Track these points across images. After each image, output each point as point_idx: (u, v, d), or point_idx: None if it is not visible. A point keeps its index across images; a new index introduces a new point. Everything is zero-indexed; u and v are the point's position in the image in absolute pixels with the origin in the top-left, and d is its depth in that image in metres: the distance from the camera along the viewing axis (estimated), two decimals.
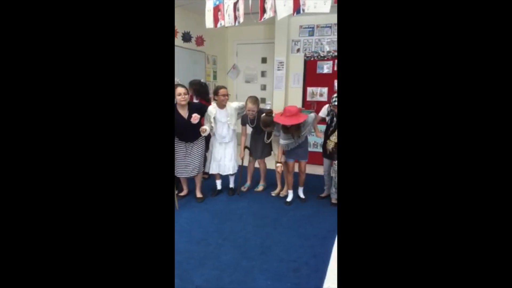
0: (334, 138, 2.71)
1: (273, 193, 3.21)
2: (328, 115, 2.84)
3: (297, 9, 1.82)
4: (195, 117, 2.62)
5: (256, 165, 3.30)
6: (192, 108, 2.71)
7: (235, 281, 1.81)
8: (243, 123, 3.04)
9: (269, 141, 3.07)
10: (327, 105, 2.90)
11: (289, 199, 2.99)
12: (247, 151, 3.19)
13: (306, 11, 1.80)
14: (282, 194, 3.13)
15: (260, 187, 3.31)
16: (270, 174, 3.37)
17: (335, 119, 2.78)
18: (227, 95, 2.88)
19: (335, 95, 2.74)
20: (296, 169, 3.02)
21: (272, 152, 3.17)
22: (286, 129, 2.69)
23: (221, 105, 2.89)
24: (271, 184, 3.35)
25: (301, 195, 3.07)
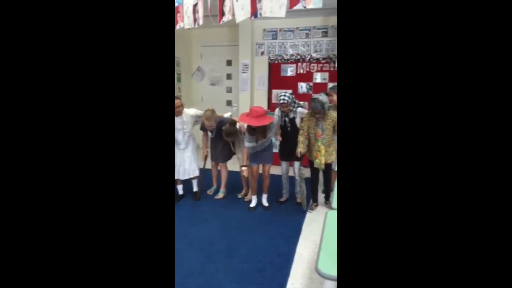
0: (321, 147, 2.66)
1: (240, 195, 3.19)
2: (281, 116, 2.78)
3: (254, 13, 1.85)
4: None
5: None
6: None
7: (199, 285, 1.79)
8: (202, 128, 3.03)
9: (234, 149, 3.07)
10: (277, 109, 2.83)
11: (252, 204, 2.91)
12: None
13: (263, 15, 1.84)
14: (247, 198, 3.08)
15: (220, 194, 3.18)
16: (235, 177, 3.33)
17: (286, 119, 2.76)
18: (180, 106, 2.82)
19: (283, 93, 2.71)
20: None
21: (235, 156, 3.13)
22: (252, 131, 2.63)
23: (176, 113, 2.83)
24: (233, 189, 3.27)
25: (265, 203, 2.93)
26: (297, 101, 2.81)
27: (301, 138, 2.67)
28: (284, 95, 2.66)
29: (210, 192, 3.25)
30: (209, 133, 3.06)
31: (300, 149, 2.65)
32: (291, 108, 2.71)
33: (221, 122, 2.91)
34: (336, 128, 2.67)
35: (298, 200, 2.98)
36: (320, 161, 2.67)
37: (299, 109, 2.77)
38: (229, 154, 3.13)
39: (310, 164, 2.83)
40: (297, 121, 2.78)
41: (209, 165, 3.24)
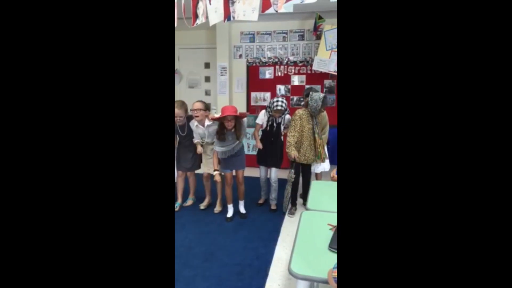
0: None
1: (202, 206, 2.93)
2: (268, 121, 2.76)
3: (227, 16, 1.85)
4: None
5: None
6: None
7: None
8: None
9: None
10: (263, 111, 2.81)
11: (229, 214, 2.74)
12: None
13: (236, 18, 1.84)
14: (217, 210, 2.87)
15: (189, 201, 3.03)
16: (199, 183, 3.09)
17: (275, 124, 2.74)
18: None
19: (275, 99, 2.67)
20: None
21: (202, 164, 2.95)
22: (222, 129, 2.48)
23: None
24: (201, 197, 3.05)
25: (242, 210, 2.81)
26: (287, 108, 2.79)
27: (292, 141, 2.63)
28: (282, 102, 2.63)
29: (176, 208, 2.92)
30: (178, 135, 2.82)
31: (294, 152, 2.60)
32: (282, 114, 2.72)
33: (190, 117, 2.75)
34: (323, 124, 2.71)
35: (273, 207, 2.93)
36: (320, 152, 2.67)
37: (287, 116, 2.78)
38: (199, 162, 2.93)
39: (295, 167, 2.74)
40: (282, 127, 2.79)
41: None
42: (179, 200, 2.99)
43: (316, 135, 2.64)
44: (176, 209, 2.93)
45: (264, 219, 2.76)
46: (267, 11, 1.60)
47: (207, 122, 2.65)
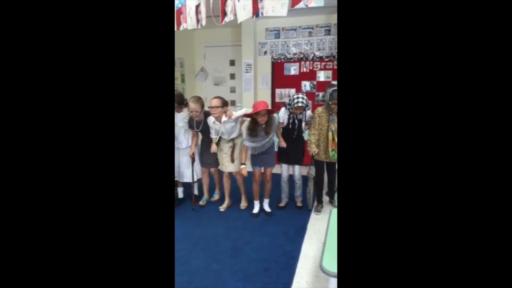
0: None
1: (222, 208, 2.87)
2: (289, 118, 2.69)
3: (256, 12, 1.85)
4: None
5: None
6: None
7: (206, 285, 1.80)
8: (190, 126, 2.81)
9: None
10: (283, 108, 2.73)
11: (255, 210, 2.76)
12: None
13: (264, 14, 1.84)
14: (243, 206, 2.87)
15: (216, 196, 3.05)
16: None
17: (296, 121, 2.66)
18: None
19: (295, 95, 2.59)
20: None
21: (220, 164, 2.87)
22: (254, 125, 2.48)
23: (177, 109, 2.75)
24: (223, 196, 3.02)
25: (267, 208, 2.81)
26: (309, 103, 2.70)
27: (312, 138, 2.61)
28: (302, 98, 2.55)
29: (202, 203, 2.98)
30: (200, 132, 2.81)
31: (314, 149, 2.58)
32: (303, 111, 2.64)
33: (207, 113, 2.72)
34: None
35: (299, 204, 2.89)
36: (335, 152, 2.59)
37: (309, 112, 2.70)
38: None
39: (316, 164, 2.73)
40: (303, 124, 2.71)
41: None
42: (206, 195, 3.03)
43: (330, 133, 2.57)
44: (203, 203, 2.97)
45: (290, 216, 2.75)
46: (297, 6, 1.59)
47: (223, 118, 2.62)
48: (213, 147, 2.75)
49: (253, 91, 4.45)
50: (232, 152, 2.77)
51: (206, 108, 2.82)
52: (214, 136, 2.74)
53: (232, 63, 4.94)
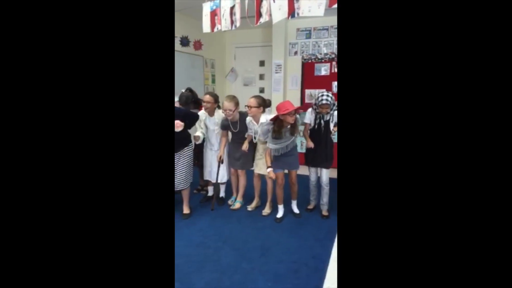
0: None
1: (250, 208, 2.85)
2: (316, 119, 2.60)
3: (291, 13, 1.84)
4: (178, 125, 2.38)
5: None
6: (175, 114, 2.42)
7: (236, 283, 1.82)
8: (223, 128, 2.76)
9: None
10: (310, 109, 2.66)
11: (279, 215, 2.67)
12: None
13: (300, 15, 1.83)
14: (265, 212, 2.76)
15: (236, 205, 2.91)
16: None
17: (323, 122, 2.57)
18: (210, 102, 2.69)
19: (320, 93, 2.51)
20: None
21: (254, 164, 2.84)
22: (280, 128, 2.39)
23: (209, 112, 2.74)
24: (249, 201, 2.96)
25: (295, 209, 2.74)
26: (335, 102, 2.56)
27: None
28: (327, 96, 2.46)
29: (231, 202, 2.99)
30: (230, 131, 2.78)
31: None
32: (329, 110, 2.53)
33: (242, 113, 2.68)
34: None
35: (324, 213, 2.73)
36: None
37: (336, 113, 2.58)
38: (251, 162, 2.84)
39: None
40: (331, 125, 2.60)
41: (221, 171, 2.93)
42: (234, 195, 3.03)
43: None
44: (231, 203, 2.97)
45: (319, 218, 2.71)
46: (335, 6, 1.56)
47: (261, 120, 2.58)
48: (245, 145, 2.71)
49: (282, 92, 4.44)
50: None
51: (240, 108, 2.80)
52: (249, 134, 2.70)
53: (262, 63, 4.97)
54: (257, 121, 2.61)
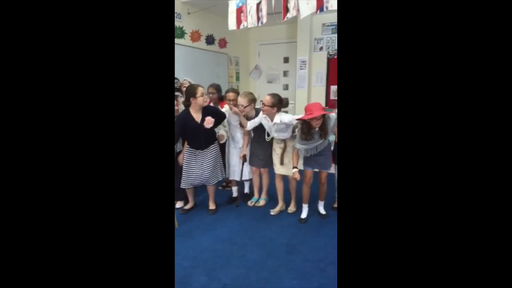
0: None
1: (273, 212, 2.72)
2: None
3: (320, 7, 1.80)
4: (208, 121, 2.42)
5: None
6: (206, 111, 2.46)
7: (262, 280, 1.82)
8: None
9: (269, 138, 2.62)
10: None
11: (303, 215, 2.59)
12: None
13: (330, 8, 1.78)
14: (291, 210, 2.73)
15: (261, 201, 2.90)
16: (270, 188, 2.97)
17: None
18: (235, 99, 2.66)
19: None
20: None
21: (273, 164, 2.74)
22: (309, 129, 2.29)
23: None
24: (273, 198, 2.94)
25: (322, 210, 2.67)
26: None
27: None
28: None
29: (251, 203, 2.92)
30: (251, 131, 2.73)
31: None
32: None
33: (258, 110, 2.63)
34: None
35: None
36: None
37: None
38: (271, 158, 2.76)
39: None
40: None
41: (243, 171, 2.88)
42: (256, 195, 2.98)
43: None
44: (252, 204, 2.92)
45: None
46: None
47: (275, 119, 2.47)
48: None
49: (307, 88, 4.37)
50: (283, 153, 2.63)
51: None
52: (249, 125, 2.64)
53: (286, 60, 4.92)
54: (272, 120, 2.52)
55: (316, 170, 2.55)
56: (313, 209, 2.73)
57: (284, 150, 2.62)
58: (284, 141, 2.61)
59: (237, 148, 2.86)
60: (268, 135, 2.62)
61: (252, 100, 2.63)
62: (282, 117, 2.47)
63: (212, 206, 2.77)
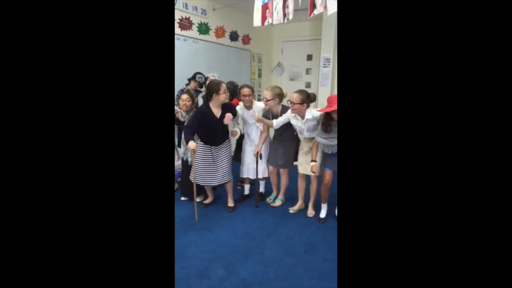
0: None
1: (292, 210, 2.72)
2: None
3: None
4: (228, 117, 2.42)
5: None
6: (226, 108, 2.48)
7: (280, 277, 1.82)
8: (265, 115, 2.67)
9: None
10: None
11: (322, 215, 2.57)
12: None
13: None
14: (310, 214, 2.65)
15: (277, 202, 2.85)
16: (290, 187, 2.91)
17: None
18: (250, 95, 2.62)
19: None
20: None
21: (298, 162, 2.68)
22: (328, 120, 2.21)
23: (247, 106, 2.68)
24: (289, 199, 2.91)
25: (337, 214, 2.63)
26: None
27: None
28: None
29: (269, 200, 2.91)
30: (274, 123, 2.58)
31: None
32: None
33: (284, 107, 2.56)
34: None
35: None
36: None
37: None
38: (292, 158, 2.71)
39: None
40: None
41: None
42: (274, 192, 2.95)
43: None
44: (270, 201, 2.90)
45: None
46: None
47: (307, 116, 2.41)
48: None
49: (330, 87, 4.30)
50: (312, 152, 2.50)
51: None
52: (274, 123, 2.59)
53: (309, 57, 4.86)
54: (302, 117, 2.45)
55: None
56: (331, 213, 2.68)
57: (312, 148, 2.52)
58: (313, 139, 2.52)
59: (253, 146, 2.78)
60: (297, 135, 2.56)
61: (277, 95, 2.56)
62: (313, 112, 2.42)
63: (230, 203, 2.77)
